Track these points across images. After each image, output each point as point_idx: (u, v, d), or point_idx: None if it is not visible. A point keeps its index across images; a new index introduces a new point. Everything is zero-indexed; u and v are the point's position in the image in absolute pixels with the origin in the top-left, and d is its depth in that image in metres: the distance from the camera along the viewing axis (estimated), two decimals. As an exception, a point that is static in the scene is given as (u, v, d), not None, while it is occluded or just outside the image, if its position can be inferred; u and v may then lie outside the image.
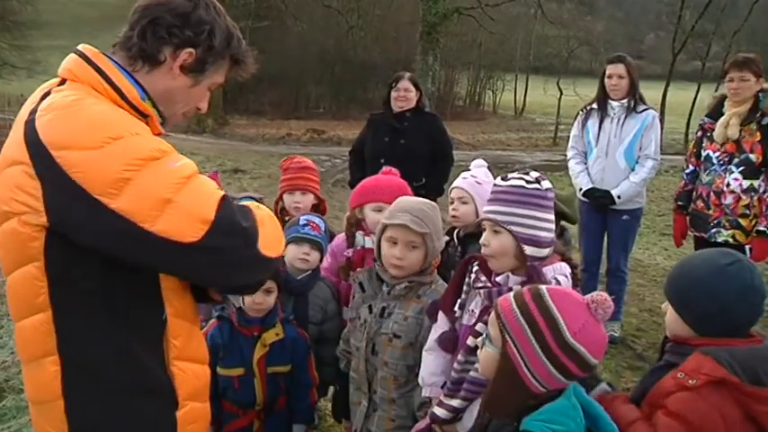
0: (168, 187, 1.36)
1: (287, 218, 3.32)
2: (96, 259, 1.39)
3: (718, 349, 1.69)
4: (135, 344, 1.49)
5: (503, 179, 2.14)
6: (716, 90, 19.51)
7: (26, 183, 1.36)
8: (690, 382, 1.66)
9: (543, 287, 1.69)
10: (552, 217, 2.13)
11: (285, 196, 3.45)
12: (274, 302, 2.65)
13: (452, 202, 2.98)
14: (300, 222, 2.93)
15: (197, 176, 1.44)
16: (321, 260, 2.96)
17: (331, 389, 3.09)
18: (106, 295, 1.44)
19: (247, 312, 2.61)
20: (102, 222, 1.32)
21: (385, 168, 3.11)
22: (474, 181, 2.97)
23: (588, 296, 1.63)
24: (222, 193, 1.45)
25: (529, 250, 2.05)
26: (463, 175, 3.05)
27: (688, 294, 1.79)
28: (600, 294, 1.62)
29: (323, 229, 2.96)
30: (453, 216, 2.96)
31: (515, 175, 2.13)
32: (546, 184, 2.11)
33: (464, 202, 2.95)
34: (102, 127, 1.36)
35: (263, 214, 1.55)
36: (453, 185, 3.02)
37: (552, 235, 2.12)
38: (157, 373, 1.54)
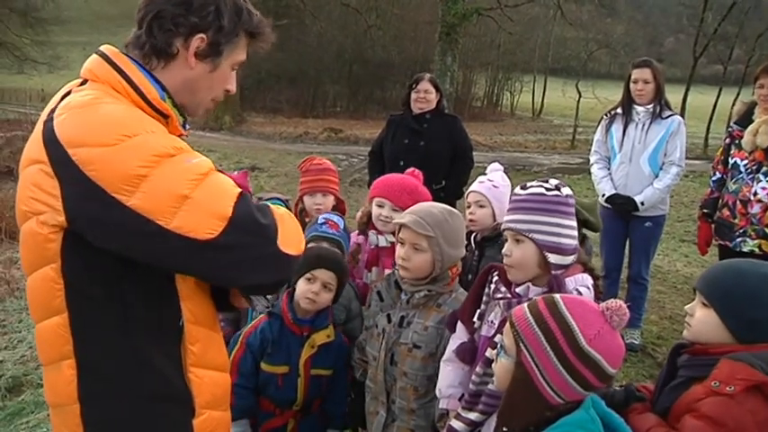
0: (185, 184, 1.34)
1: (307, 219, 3.31)
2: (112, 263, 1.37)
3: (746, 354, 1.67)
4: (151, 350, 1.47)
5: (522, 188, 2.11)
6: (737, 95, 19.34)
7: (44, 182, 1.36)
8: (728, 389, 1.62)
9: (558, 295, 1.67)
10: (575, 223, 2.10)
11: (306, 198, 3.44)
12: (329, 303, 2.63)
13: (469, 206, 2.98)
14: (319, 221, 2.95)
15: (214, 173, 1.42)
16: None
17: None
18: (122, 300, 1.42)
19: (298, 303, 2.58)
20: (117, 220, 1.31)
21: (408, 170, 3.08)
22: (491, 185, 2.96)
23: (603, 303, 1.61)
24: (239, 190, 1.42)
25: (552, 258, 2.02)
26: (479, 179, 3.04)
27: (739, 302, 1.74)
28: (614, 301, 1.60)
29: (341, 226, 2.96)
30: (471, 220, 2.93)
31: (534, 183, 2.10)
32: (566, 190, 2.08)
33: (481, 206, 2.93)
34: (116, 124, 1.34)
35: (282, 212, 1.52)
36: (470, 189, 3.02)
37: (575, 242, 2.09)
38: (174, 379, 1.52)
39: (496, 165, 3.14)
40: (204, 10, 1.50)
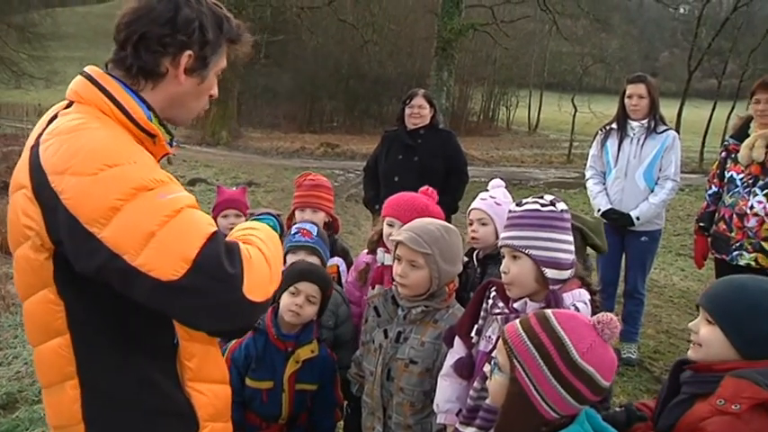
0: (154, 220, 1.29)
1: None
2: (100, 285, 1.35)
3: (751, 371, 1.65)
4: (151, 368, 1.47)
5: (517, 205, 2.13)
6: (732, 109, 19.44)
7: (28, 207, 1.36)
8: (734, 407, 1.60)
9: (549, 310, 1.68)
10: (571, 238, 2.10)
11: (297, 213, 3.45)
12: (313, 317, 2.63)
13: (471, 224, 2.95)
14: (292, 231, 2.98)
15: (187, 211, 1.36)
16: (323, 264, 2.97)
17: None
18: (117, 320, 1.42)
19: (283, 318, 2.58)
20: (88, 251, 1.29)
21: (422, 188, 3.03)
22: (493, 202, 2.94)
23: (594, 317, 1.63)
24: (212, 230, 1.36)
25: (550, 273, 2.02)
26: (481, 195, 3.02)
27: (742, 318, 1.72)
28: (605, 315, 1.61)
29: (315, 233, 2.98)
30: (473, 238, 2.92)
31: (529, 199, 2.12)
32: (561, 205, 2.09)
33: (483, 224, 2.91)
34: (99, 153, 1.32)
35: (253, 254, 1.42)
36: (472, 207, 2.98)
37: (572, 256, 2.09)
38: (176, 395, 1.52)
39: (498, 181, 3.11)
40: (189, 27, 1.50)
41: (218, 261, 1.32)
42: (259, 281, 1.39)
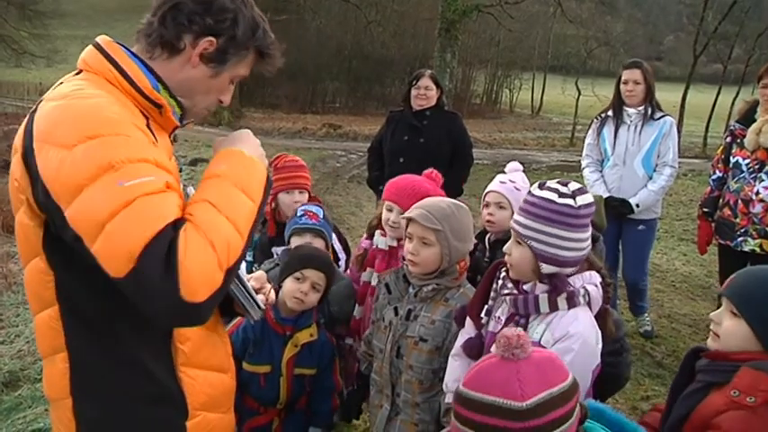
0: (105, 210, 1.24)
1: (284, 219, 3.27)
2: (89, 257, 1.31)
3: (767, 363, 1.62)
4: (140, 348, 1.44)
5: (539, 187, 2.00)
6: (737, 94, 19.34)
7: (19, 172, 1.35)
8: (748, 399, 1.57)
9: (459, 388, 1.42)
10: (583, 236, 1.96)
11: (282, 195, 3.37)
12: (315, 304, 2.61)
13: (488, 206, 2.90)
14: (298, 214, 2.95)
15: (140, 201, 1.27)
16: (327, 247, 2.95)
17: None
18: (105, 294, 1.36)
19: (285, 302, 2.56)
20: (62, 226, 1.28)
21: (427, 171, 2.91)
22: (513, 186, 2.88)
23: (499, 335, 1.39)
24: (160, 226, 1.26)
25: (546, 268, 1.94)
26: (500, 178, 2.95)
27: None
28: (504, 336, 1.37)
29: (321, 216, 2.96)
30: (489, 221, 2.88)
31: (552, 184, 1.97)
32: (581, 200, 1.93)
33: (501, 207, 2.87)
34: (82, 123, 1.30)
35: (195, 240, 1.29)
36: (490, 189, 2.92)
37: (579, 254, 1.97)
38: (165, 379, 1.49)
39: (516, 164, 3.02)
40: (222, 15, 1.49)
41: (156, 266, 1.25)
42: (198, 279, 1.28)
